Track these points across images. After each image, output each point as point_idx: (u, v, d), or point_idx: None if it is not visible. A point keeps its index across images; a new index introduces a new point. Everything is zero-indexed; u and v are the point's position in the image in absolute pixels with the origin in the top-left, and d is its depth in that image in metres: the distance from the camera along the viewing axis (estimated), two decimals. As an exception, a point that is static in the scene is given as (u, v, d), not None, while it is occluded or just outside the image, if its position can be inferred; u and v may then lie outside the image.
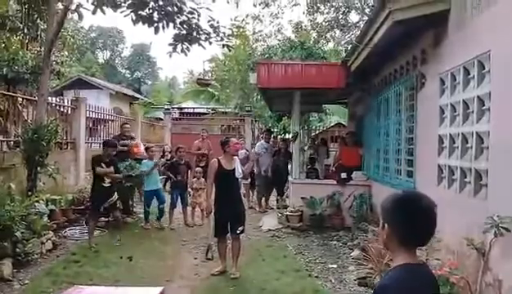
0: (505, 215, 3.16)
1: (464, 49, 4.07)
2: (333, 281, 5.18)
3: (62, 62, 10.60)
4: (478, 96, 3.80)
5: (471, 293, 3.43)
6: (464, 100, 4.11)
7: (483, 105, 3.74)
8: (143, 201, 7.93)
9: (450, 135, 4.41)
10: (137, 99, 26.42)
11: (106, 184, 6.55)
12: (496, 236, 3.22)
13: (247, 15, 16.64)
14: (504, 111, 3.38)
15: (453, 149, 4.33)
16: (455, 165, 4.25)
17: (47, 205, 6.53)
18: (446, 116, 4.51)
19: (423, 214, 1.57)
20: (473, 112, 3.90)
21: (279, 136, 15.11)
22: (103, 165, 6.50)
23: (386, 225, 1.63)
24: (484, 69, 3.73)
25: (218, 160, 5.40)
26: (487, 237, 3.35)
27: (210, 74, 20.67)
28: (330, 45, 17.18)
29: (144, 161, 8.08)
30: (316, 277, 5.36)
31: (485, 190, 3.65)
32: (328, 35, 16.59)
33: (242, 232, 5.50)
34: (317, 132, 17.92)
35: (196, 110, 23.07)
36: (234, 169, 5.33)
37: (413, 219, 1.56)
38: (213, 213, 5.44)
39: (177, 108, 23.37)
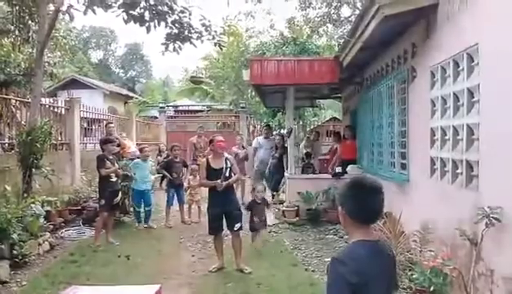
0: (496, 205, 3.21)
1: (454, 42, 4.11)
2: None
3: (55, 63, 10.58)
4: (468, 89, 3.85)
5: (464, 283, 3.49)
6: (454, 93, 4.15)
7: (473, 97, 3.78)
8: (132, 201, 7.89)
9: (441, 127, 4.46)
10: (132, 98, 26.34)
11: (113, 179, 6.65)
12: (487, 226, 3.26)
13: (239, 12, 16.60)
14: (492, 103, 3.42)
15: (445, 141, 4.38)
16: (446, 157, 4.31)
17: (42, 206, 6.53)
18: (437, 108, 4.56)
19: (366, 194, 1.79)
20: (463, 104, 3.94)
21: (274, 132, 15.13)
22: (108, 163, 6.57)
23: (340, 208, 1.85)
24: (473, 61, 3.77)
25: (207, 159, 5.45)
26: (479, 227, 3.40)
27: (204, 72, 20.64)
28: (323, 40, 17.17)
29: (136, 161, 7.98)
30: (313, 271, 5.41)
31: (476, 181, 3.69)
32: (321, 30, 16.56)
33: (240, 228, 5.51)
34: (312, 127, 17.96)
35: (191, 108, 23.06)
36: (222, 167, 5.30)
37: (358, 199, 1.80)
38: (206, 211, 5.46)
39: (172, 106, 23.36)
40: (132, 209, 8.05)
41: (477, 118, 3.67)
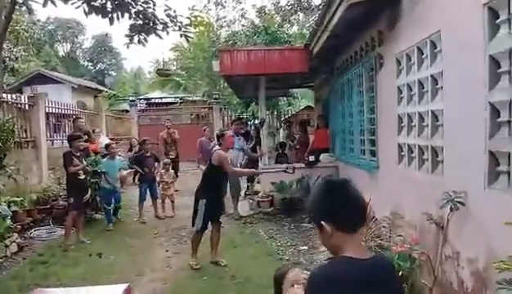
0: (460, 190, 3.29)
1: (417, 29, 4.14)
2: (304, 262, 5.27)
3: (17, 58, 10.15)
4: (432, 75, 3.90)
5: (432, 267, 3.57)
6: (419, 80, 4.20)
7: (437, 84, 3.84)
8: (101, 199, 7.67)
9: (407, 114, 4.52)
10: (102, 91, 25.66)
11: (82, 176, 6.47)
12: (452, 210, 3.33)
13: (208, 1, 16.29)
14: (455, 89, 3.48)
15: (411, 127, 4.45)
16: (413, 143, 4.38)
17: (9, 207, 6.31)
18: (404, 96, 4.61)
19: (345, 191, 1.49)
20: (427, 91, 4.00)
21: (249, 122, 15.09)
22: (76, 160, 6.36)
23: (323, 223, 1.46)
24: (436, 48, 3.82)
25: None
26: (445, 211, 3.47)
27: (175, 63, 20.30)
28: (295, 28, 17.16)
29: (103, 160, 7.65)
30: (288, 260, 5.45)
31: (441, 167, 3.77)
32: (292, 18, 16.53)
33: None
34: (287, 116, 18.00)
35: (164, 100, 22.68)
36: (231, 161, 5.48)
37: (340, 200, 1.47)
38: (204, 205, 5.26)
39: (144, 98, 22.93)
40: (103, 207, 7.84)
41: (441, 105, 3.73)
